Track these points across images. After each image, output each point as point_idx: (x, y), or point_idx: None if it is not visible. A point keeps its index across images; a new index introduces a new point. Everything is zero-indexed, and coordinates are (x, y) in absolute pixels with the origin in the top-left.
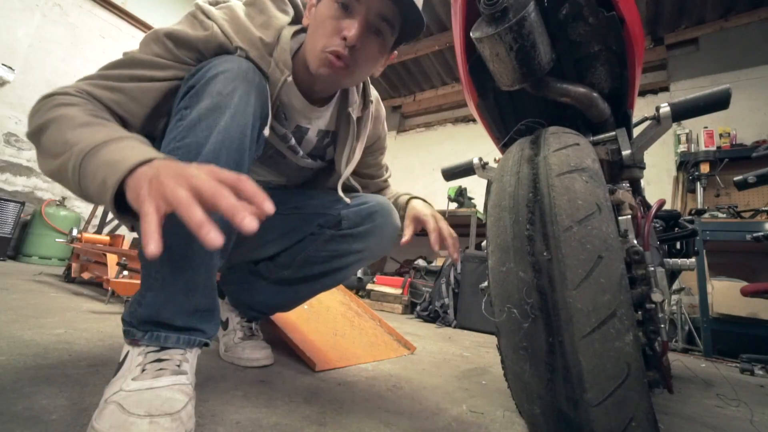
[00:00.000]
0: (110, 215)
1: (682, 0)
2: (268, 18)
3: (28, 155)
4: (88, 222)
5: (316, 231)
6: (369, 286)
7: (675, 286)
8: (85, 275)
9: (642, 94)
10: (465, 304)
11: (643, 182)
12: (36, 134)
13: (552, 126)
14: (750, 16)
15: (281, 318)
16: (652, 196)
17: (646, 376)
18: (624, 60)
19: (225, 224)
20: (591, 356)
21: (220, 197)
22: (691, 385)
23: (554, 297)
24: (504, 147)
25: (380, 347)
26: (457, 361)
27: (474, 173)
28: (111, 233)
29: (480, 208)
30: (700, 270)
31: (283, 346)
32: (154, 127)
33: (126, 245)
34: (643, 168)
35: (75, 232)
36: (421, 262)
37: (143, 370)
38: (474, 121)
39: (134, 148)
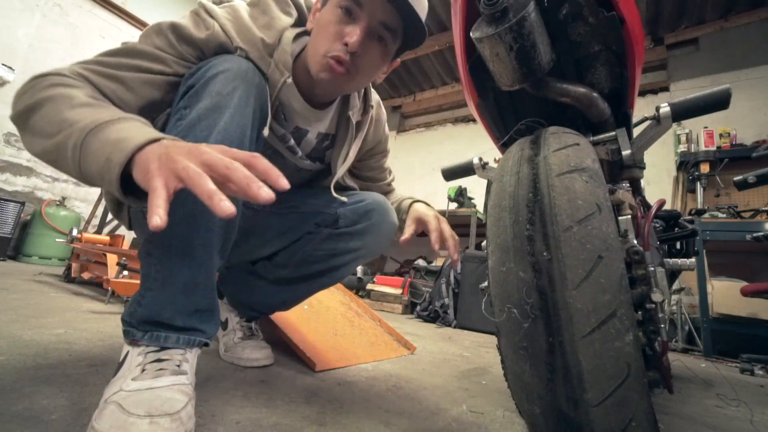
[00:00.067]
0: (110, 216)
1: (682, 0)
2: (270, 19)
3: (28, 155)
4: (88, 222)
5: (313, 230)
6: (369, 286)
7: (675, 286)
8: (85, 275)
9: (642, 94)
10: (465, 304)
11: (643, 182)
12: (25, 113)
13: (552, 126)
14: (750, 16)
15: (281, 318)
16: (652, 196)
17: (646, 376)
18: (624, 60)
19: (226, 223)
20: (591, 356)
21: (233, 170)
22: (691, 385)
23: (554, 297)
24: (504, 147)
25: (380, 347)
26: (457, 361)
27: (474, 173)
28: (111, 233)
29: (480, 208)
30: (700, 270)
31: (283, 346)
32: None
33: (126, 245)
34: (643, 168)
35: (75, 232)
36: (421, 262)
37: (143, 370)
38: (474, 121)
39: (140, 128)
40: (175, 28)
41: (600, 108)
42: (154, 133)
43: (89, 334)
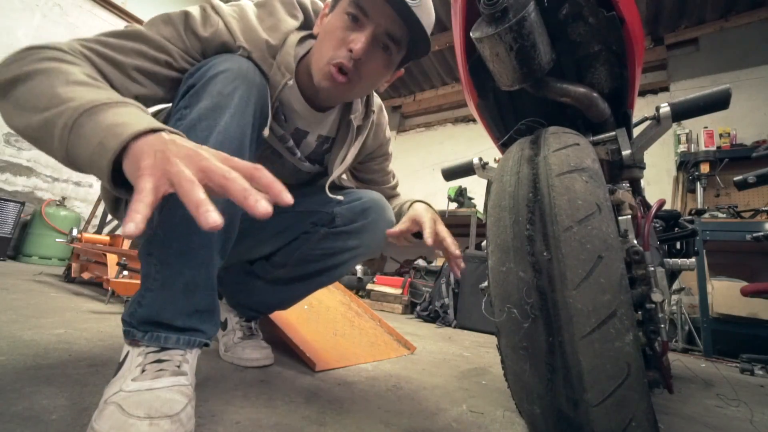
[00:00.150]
0: (110, 216)
1: (682, 0)
2: (276, 21)
3: (28, 155)
4: (88, 222)
5: (310, 229)
6: (369, 286)
7: (675, 286)
8: (85, 275)
9: (642, 94)
10: (465, 304)
11: (643, 182)
12: (11, 82)
13: (552, 126)
14: (750, 16)
15: (281, 318)
16: (652, 196)
17: (646, 376)
18: (624, 60)
19: (226, 224)
20: (591, 356)
21: (230, 180)
22: (691, 385)
23: (554, 297)
24: (504, 147)
25: (380, 347)
26: (457, 361)
27: (474, 173)
28: (111, 233)
29: (480, 208)
30: (700, 270)
31: (283, 346)
32: None
33: (126, 245)
34: (643, 168)
35: (75, 232)
36: (421, 262)
37: (143, 371)
38: (474, 121)
39: (140, 115)
40: (186, 19)
41: (600, 108)
42: (154, 123)
43: (89, 334)
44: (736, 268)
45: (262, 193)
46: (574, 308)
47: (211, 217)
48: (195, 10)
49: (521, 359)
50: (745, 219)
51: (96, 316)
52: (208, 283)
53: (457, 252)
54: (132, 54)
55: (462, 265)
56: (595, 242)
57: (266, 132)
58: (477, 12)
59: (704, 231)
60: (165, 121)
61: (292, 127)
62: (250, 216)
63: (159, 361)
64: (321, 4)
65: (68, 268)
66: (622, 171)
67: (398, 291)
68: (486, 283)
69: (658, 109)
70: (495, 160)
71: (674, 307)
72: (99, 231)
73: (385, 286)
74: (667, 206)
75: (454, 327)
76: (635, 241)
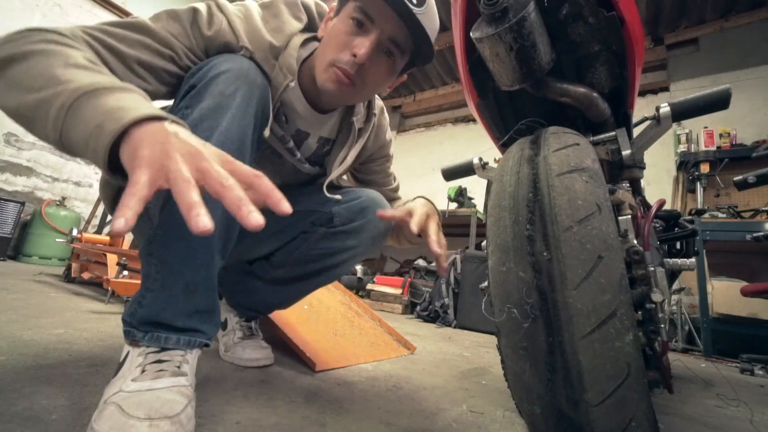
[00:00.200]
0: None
1: (682, 0)
2: (281, 23)
3: (28, 155)
4: (88, 222)
5: (308, 229)
6: (369, 286)
7: (675, 286)
8: (85, 275)
9: (642, 94)
10: (465, 304)
11: (643, 182)
12: (5, 62)
13: (552, 126)
14: (750, 16)
15: (281, 318)
16: (652, 196)
17: (646, 376)
18: (624, 60)
19: (227, 224)
20: (591, 356)
21: (226, 188)
22: (691, 385)
23: (554, 297)
24: (504, 147)
25: (380, 347)
26: (457, 361)
27: (474, 173)
28: (111, 233)
29: (480, 208)
30: (700, 270)
31: (283, 346)
32: None
33: (126, 245)
34: (643, 168)
35: (75, 232)
36: (421, 262)
37: (143, 371)
38: (474, 121)
39: (143, 102)
40: (193, 16)
41: (600, 108)
42: (158, 111)
43: (89, 334)
44: (736, 268)
45: (259, 201)
46: (574, 308)
47: (202, 221)
48: (202, 8)
49: (521, 359)
50: (745, 219)
51: (96, 316)
52: (208, 283)
53: (438, 250)
54: (136, 46)
55: (444, 264)
56: (595, 242)
57: (267, 132)
58: (477, 12)
59: (704, 231)
60: None
61: (293, 128)
62: None
63: (159, 361)
64: (325, 7)
65: (68, 268)
66: (622, 171)
67: (398, 291)
68: (486, 283)
69: (658, 109)
70: (495, 160)
71: (674, 307)
72: (99, 231)
73: (385, 286)
74: (667, 206)
75: (454, 327)
76: (635, 241)
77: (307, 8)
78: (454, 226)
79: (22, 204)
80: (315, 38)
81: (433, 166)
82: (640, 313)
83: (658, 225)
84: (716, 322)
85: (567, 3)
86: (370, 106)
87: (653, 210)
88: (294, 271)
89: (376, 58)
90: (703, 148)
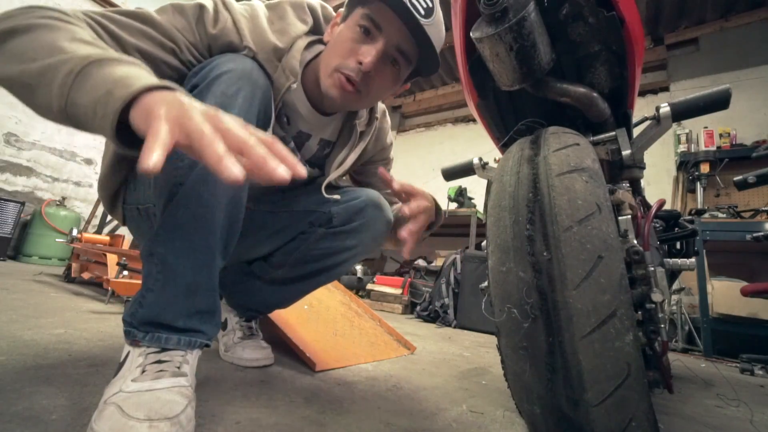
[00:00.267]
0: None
1: (682, 0)
2: (286, 25)
3: (28, 155)
4: (88, 222)
5: (307, 229)
6: (369, 286)
7: (675, 286)
8: (85, 275)
9: (642, 94)
10: (465, 304)
11: (643, 182)
12: (7, 33)
13: (552, 126)
14: (750, 16)
15: (281, 318)
16: (652, 196)
17: (646, 376)
18: (624, 60)
19: (229, 224)
20: (591, 356)
21: (251, 145)
22: (691, 385)
23: (554, 297)
24: (504, 147)
25: (380, 347)
26: (457, 361)
27: (474, 173)
28: (111, 233)
29: (480, 208)
30: (700, 270)
31: (283, 346)
32: None
33: (126, 245)
34: (643, 168)
35: (75, 232)
36: (421, 262)
37: (143, 371)
38: (474, 121)
39: (152, 75)
40: (199, 12)
41: (600, 108)
42: (168, 83)
43: (89, 334)
44: (736, 268)
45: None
46: (574, 308)
47: (235, 171)
48: (209, 4)
49: (521, 359)
50: (745, 219)
51: (96, 316)
52: (209, 284)
53: (405, 235)
54: (137, 34)
55: (407, 247)
56: (595, 242)
57: (269, 133)
58: (477, 12)
59: (704, 231)
60: None
61: (294, 129)
62: (246, 216)
63: (159, 361)
64: (331, 10)
65: (68, 268)
66: (622, 171)
67: (398, 291)
68: (486, 283)
69: (658, 109)
70: (495, 160)
71: (674, 307)
72: (99, 231)
73: (385, 286)
74: (667, 206)
75: (454, 327)
76: (635, 241)
77: (313, 11)
78: (454, 226)
79: (22, 204)
80: (320, 41)
81: (433, 166)
82: (640, 313)
83: (658, 225)
84: (716, 322)
85: (567, 3)
86: (372, 110)
87: (653, 210)
88: (294, 272)
89: (382, 67)
90: (703, 148)
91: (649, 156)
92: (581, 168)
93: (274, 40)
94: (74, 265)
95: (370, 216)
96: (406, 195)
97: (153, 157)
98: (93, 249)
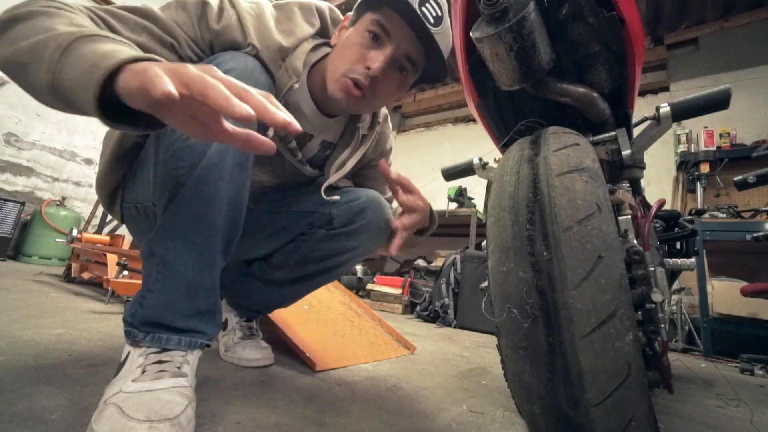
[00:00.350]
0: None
1: (682, 0)
2: (293, 26)
3: (28, 155)
4: (88, 222)
5: (307, 231)
6: (369, 286)
7: (675, 286)
8: (85, 275)
9: (642, 94)
10: (465, 304)
11: (643, 182)
12: (9, 21)
13: (552, 126)
14: (750, 16)
15: (281, 318)
16: (652, 196)
17: (646, 376)
18: (624, 60)
19: (230, 224)
20: (591, 356)
21: (250, 93)
22: (691, 385)
23: (554, 297)
24: (504, 147)
25: (380, 347)
26: (457, 361)
27: (474, 173)
28: (111, 233)
29: (480, 208)
30: (700, 270)
31: (283, 346)
32: None
33: (126, 245)
34: (643, 168)
35: (75, 232)
36: (421, 262)
37: (143, 372)
38: (474, 121)
39: (141, 53)
40: (201, 8)
41: (600, 108)
42: (155, 56)
43: (89, 334)
44: (736, 268)
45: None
46: (574, 308)
47: (245, 107)
48: (213, 1)
49: (521, 359)
50: (745, 219)
51: (96, 316)
52: (210, 284)
53: (398, 224)
54: (138, 29)
55: (395, 246)
56: (595, 242)
57: (270, 132)
58: (477, 12)
59: (704, 231)
60: None
61: None
62: (248, 215)
63: (160, 362)
64: (339, 13)
65: (68, 268)
66: (622, 171)
67: (398, 291)
68: (486, 283)
69: (658, 109)
70: (495, 160)
71: (674, 307)
72: (99, 231)
73: (385, 286)
74: (667, 206)
75: (454, 327)
76: (635, 241)
77: (320, 13)
78: (454, 226)
79: (22, 204)
80: (326, 44)
81: (433, 166)
82: (640, 313)
83: (658, 225)
84: (716, 322)
85: (567, 3)
86: (375, 114)
87: (653, 210)
88: (294, 273)
89: (389, 73)
90: (703, 148)
91: (649, 156)
92: (581, 168)
93: (280, 40)
94: (74, 265)
95: (371, 217)
96: (403, 189)
97: (169, 85)
98: (93, 249)
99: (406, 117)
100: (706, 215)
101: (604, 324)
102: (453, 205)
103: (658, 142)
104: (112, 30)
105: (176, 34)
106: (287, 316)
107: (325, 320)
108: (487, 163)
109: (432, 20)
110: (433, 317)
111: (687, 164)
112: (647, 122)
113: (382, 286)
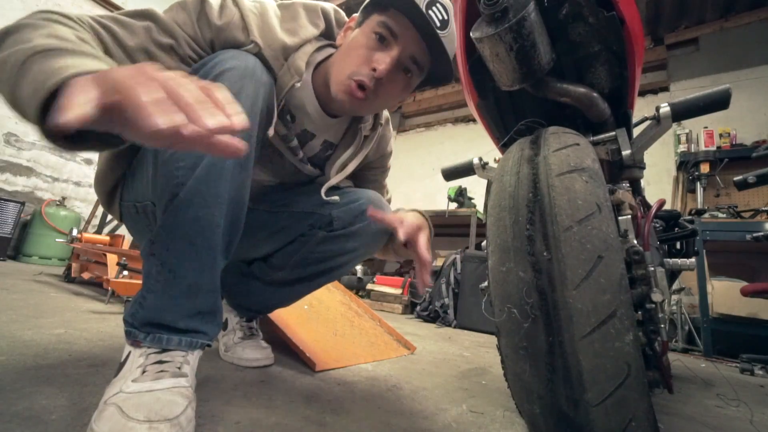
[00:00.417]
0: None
1: (682, 0)
2: (297, 26)
3: (28, 155)
4: (88, 222)
5: (307, 232)
6: (369, 286)
7: (675, 286)
8: (85, 275)
9: (642, 94)
10: (465, 304)
11: (643, 182)
12: (1, 36)
13: (552, 126)
14: (750, 16)
15: (281, 318)
16: (652, 196)
17: (646, 376)
18: (624, 60)
19: (231, 223)
20: (591, 356)
21: (211, 89)
22: (691, 385)
23: (554, 297)
24: (504, 147)
25: (380, 347)
26: (457, 361)
27: (474, 173)
28: (111, 233)
29: (480, 208)
30: (700, 270)
31: (283, 346)
32: None
33: (126, 245)
34: (643, 168)
35: (75, 232)
36: None
37: (144, 372)
38: (474, 121)
39: (99, 64)
40: (201, 7)
41: (600, 108)
42: (106, 67)
43: (89, 334)
44: (736, 268)
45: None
46: (574, 308)
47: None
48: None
49: (521, 359)
50: (745, 219)
51: (96, 316)
52: (211, 284)
53: (427, 256)
54: (138, 32)
55: (428, 276)
56: (595, 242)
57: (271, 131)
58: (477, 12)
59: (704, 231)
60: None
61: (299, 128)
62: (247, 215)
63: (160, 362)
64: (344, 15)
65: (68, 268)
66: (622, 171)
67: (398, 291)
68: (486, 283)
69: (658, 109)
70: (495, 160)
71: (674, 307)
72: (99, 231)
73: (385, 286)
74: (667, 206)
75: (454, 327)
76: (635, 241)
77: (326, 15)
78: (454, 226)
79: (22, 204)
80: (331, 45)
81: (433, 166)
82: (640, 313)
83: (658, 225)
84: (716, 322)
85: (567, 3)
86: (377, 116)
87: (653, 210)
88: (294, 274)
89: (394, 75)
90: (703, 148)
91: (649, 156)
92: (581, 168)
93: (283, 38)
94: (74, 265)
95: (371, 219)
96: (396, 227)
97: (73, 111)
98: (93, 249)
99: (406, 117)
100: (706, 215)
101: (604, 324)
102: (453, 205)
103: (658, 142)
104: (114, 36)
105: (175, 34)
106: (287, 316)
107: (325, 320)
108: (487, 163)
109: (438, 23)
110: (433, 317)
111: (687, 164)
112: (647, 122)
113: (382, 286)
